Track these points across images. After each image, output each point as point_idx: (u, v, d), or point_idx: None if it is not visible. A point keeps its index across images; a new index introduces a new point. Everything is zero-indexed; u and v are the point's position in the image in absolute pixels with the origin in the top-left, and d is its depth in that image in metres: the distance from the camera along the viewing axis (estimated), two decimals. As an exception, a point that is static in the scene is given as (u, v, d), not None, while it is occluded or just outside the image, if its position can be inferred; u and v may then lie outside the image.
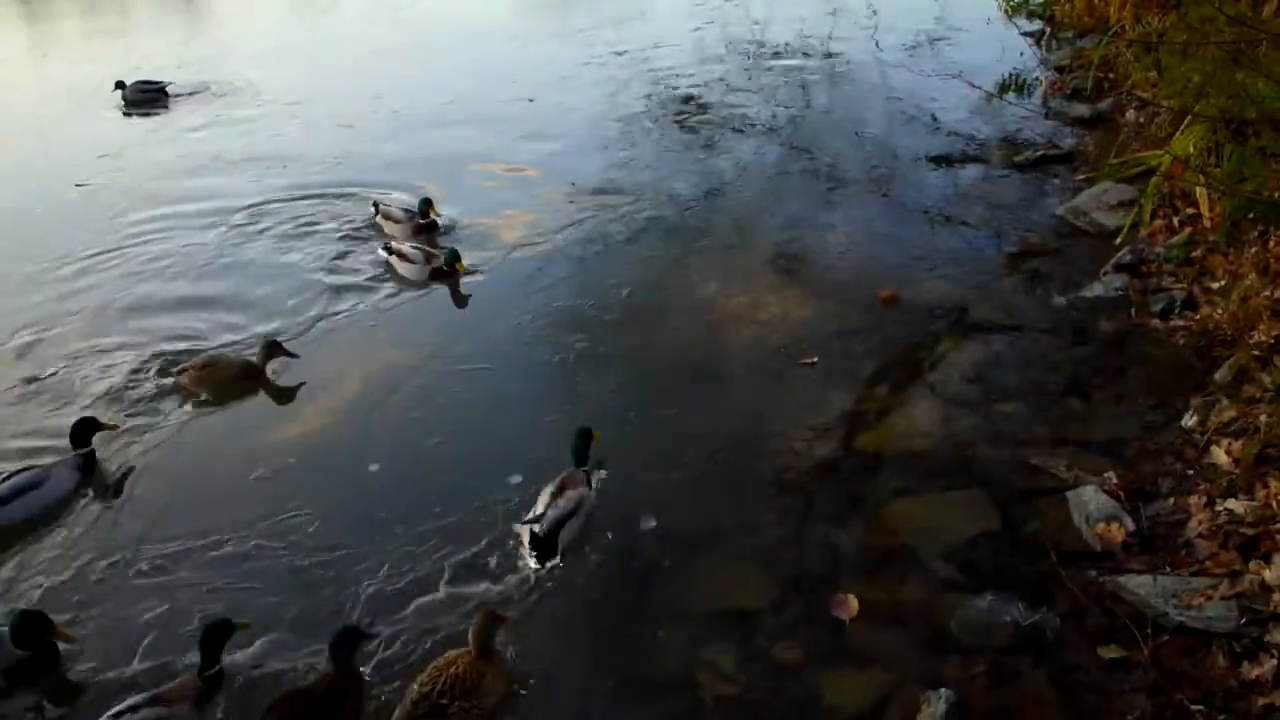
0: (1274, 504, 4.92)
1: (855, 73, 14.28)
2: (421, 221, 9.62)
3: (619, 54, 16.06)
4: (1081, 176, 9.53)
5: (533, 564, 5.40)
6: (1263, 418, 5.48)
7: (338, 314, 8.42)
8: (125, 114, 15.30)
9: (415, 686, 4.54)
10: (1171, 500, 5.32)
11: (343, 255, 9.51)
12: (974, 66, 13.31)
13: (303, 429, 6.95)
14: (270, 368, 7.55)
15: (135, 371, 7.68)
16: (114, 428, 6.79)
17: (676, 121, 12.81)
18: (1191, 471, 5.50)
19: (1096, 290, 7.48)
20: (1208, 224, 7.73)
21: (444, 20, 19.94)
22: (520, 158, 11.90)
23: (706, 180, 10.89)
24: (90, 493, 6.37)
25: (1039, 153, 10.31)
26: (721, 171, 11.12)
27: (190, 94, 15.89)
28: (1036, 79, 12.46)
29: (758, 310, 7.97)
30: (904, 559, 5.25)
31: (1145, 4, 11.67)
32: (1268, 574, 4.57)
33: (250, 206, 10.87)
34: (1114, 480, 5.44)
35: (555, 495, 5.63)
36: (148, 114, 15.19)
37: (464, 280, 8.80)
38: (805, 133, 12.12)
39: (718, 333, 7.76)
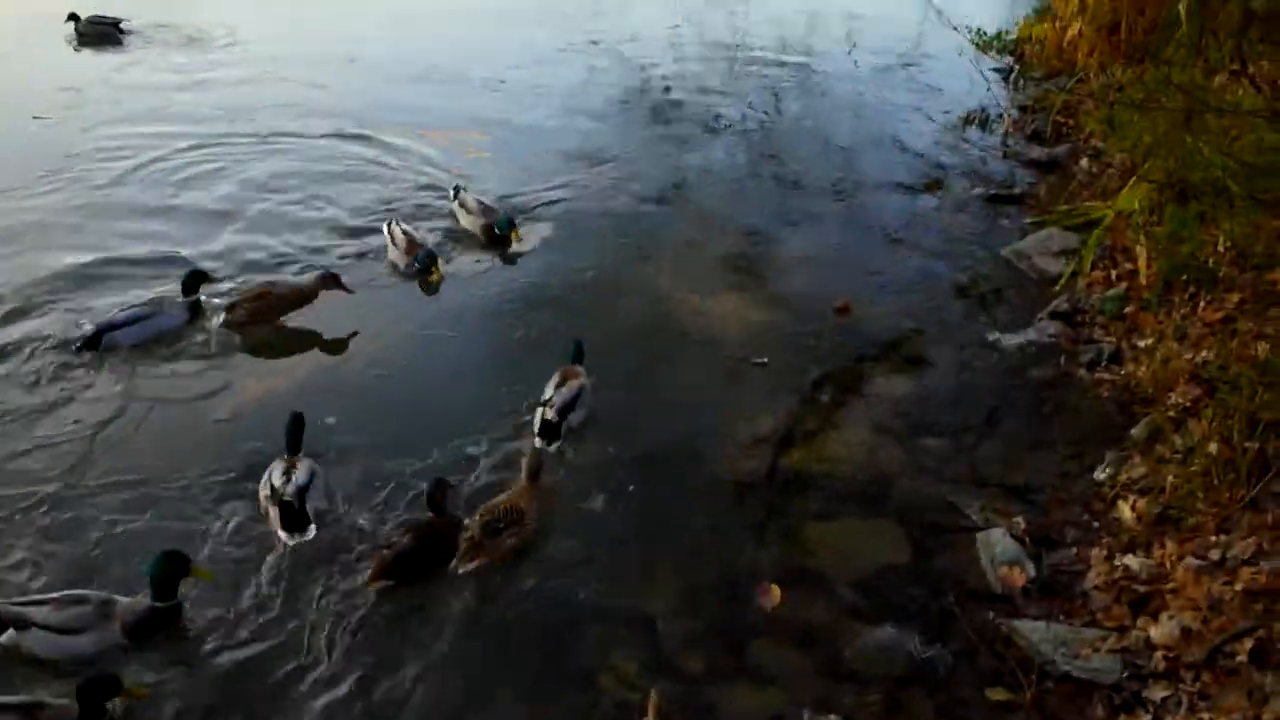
0: (1168, 564, 5.12)
1: (829, 86, 14.42)
2: (495, 231, 9.03)
3: (595, 43, 16.07)
4: (1030, 220, 9.73)
5: (538, 443, 6.28)
6: (1169, 478, 5.68)
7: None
8: (76, 49, 15.10)
9: (477, 516, 5.51)
10: (1075, 550, 5.51)
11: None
12: (942, 96, 13.56)
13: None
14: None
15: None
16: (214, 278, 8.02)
17: (648, 115, 12.93)
18: (1097, 524, 5.70)
19: (1030, 335, 7.66)
20: (1144, 281, 7.93)
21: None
22: (487, 135, 11.99)
23: (674, 175, 11.04)
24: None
25: (992, 191, 10.50)
26: (690, 168, 11.27)
27: (149, 34, 15.69)
28: (999, 116, 12.65)
29: (715, 306, 8.27)
30: (815, 582, 5.40)
31: (1112, 54, 11.91)
32: (1154, 631, 4.76)
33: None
34: (1022, 525, 5.61)
35: (559, 386, 6.57)
36: (100, 50, 15.01)
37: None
38: (775, 139, 12.32)
39: (673, 324, 8.05)
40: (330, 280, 7.84)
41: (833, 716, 4.42)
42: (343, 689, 4.74)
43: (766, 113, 13.14)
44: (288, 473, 5.81)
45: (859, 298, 8.38)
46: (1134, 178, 8.26)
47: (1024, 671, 4.68)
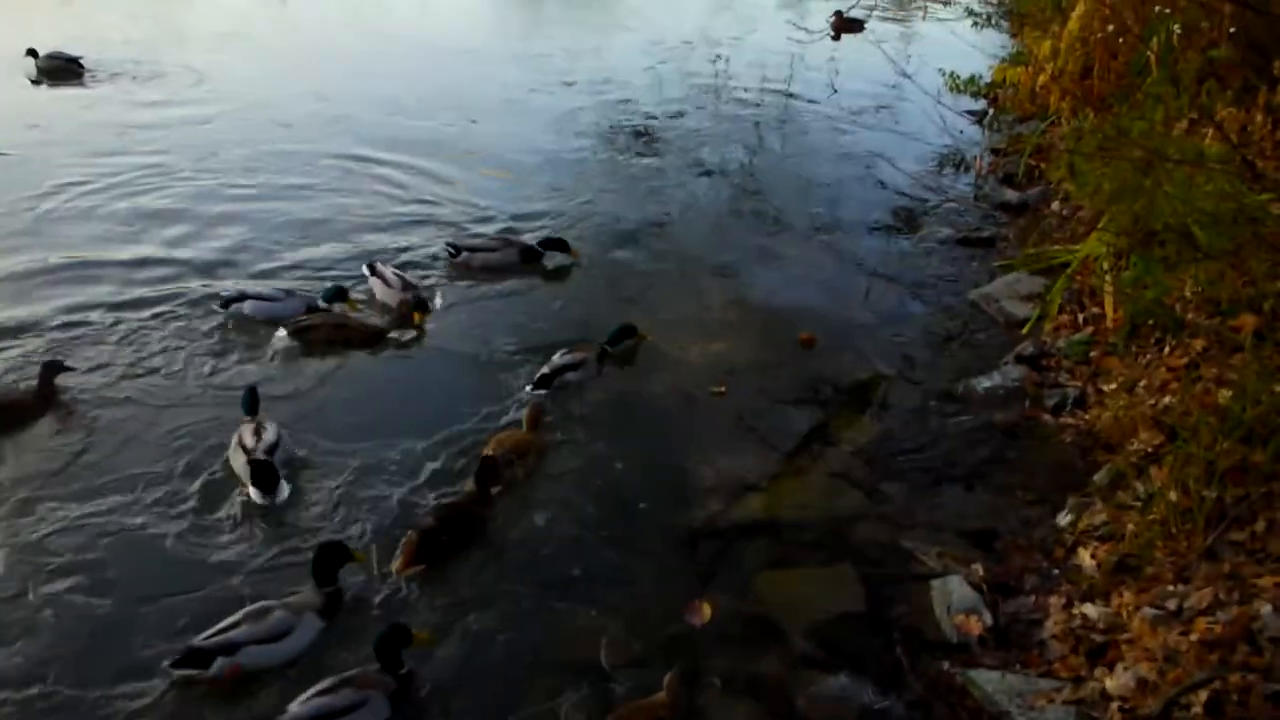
0: (1125, 613, 5.05)
1: (807, 128, 14.56)
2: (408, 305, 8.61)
3: (569, 84, 16.14)
4: (998, 263, 9.75)
5: (528, 389, 7.32)
6: (1130, 526, 5.62)
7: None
8: (34, 82, 15.16)
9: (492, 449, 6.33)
10: (1033, 598, 5.44)
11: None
12: (917, 138, 13.63)
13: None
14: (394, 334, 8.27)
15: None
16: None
17: (625, 154, 12.98)
18: (1056, 571, 5.63)
19: (995, 379, 7.62)
20: (1110, 325, 7.93)
21: (401, 32, 19.85)
22: (459, 174, 12.00)
23: (649, 212, 11.12)
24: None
25: (962, 234, 10.53)
26: (666, 205, 11.35)
27: (112, 72, 15.75)
28: (973, 158, 12.72)
29: (687, 342, 8.34)
30: (768, 629, 5.31)
31: (1084, 99, 12.00)
32: (1110, 682, 4.67)
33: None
34: (980, 572, 5.55)
35: (565, 354, 7.59)
36: (61, 86, 15.05)
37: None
38: (754, 179, 12.43)
39: (642, 361, 8.13)
40: (421, 305, 8.38)
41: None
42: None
43: (745, 153, 13.22)
44: (257, 433, 6.26)
45: (827, 337, 8.42)
46: (1102, 221, 8.27)
47: (977, 723, 4.60)
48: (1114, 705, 4.56)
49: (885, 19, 21.47)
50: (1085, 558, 5.60)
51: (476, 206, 11.03)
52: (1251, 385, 5.76)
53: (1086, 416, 7.08)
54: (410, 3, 23.11)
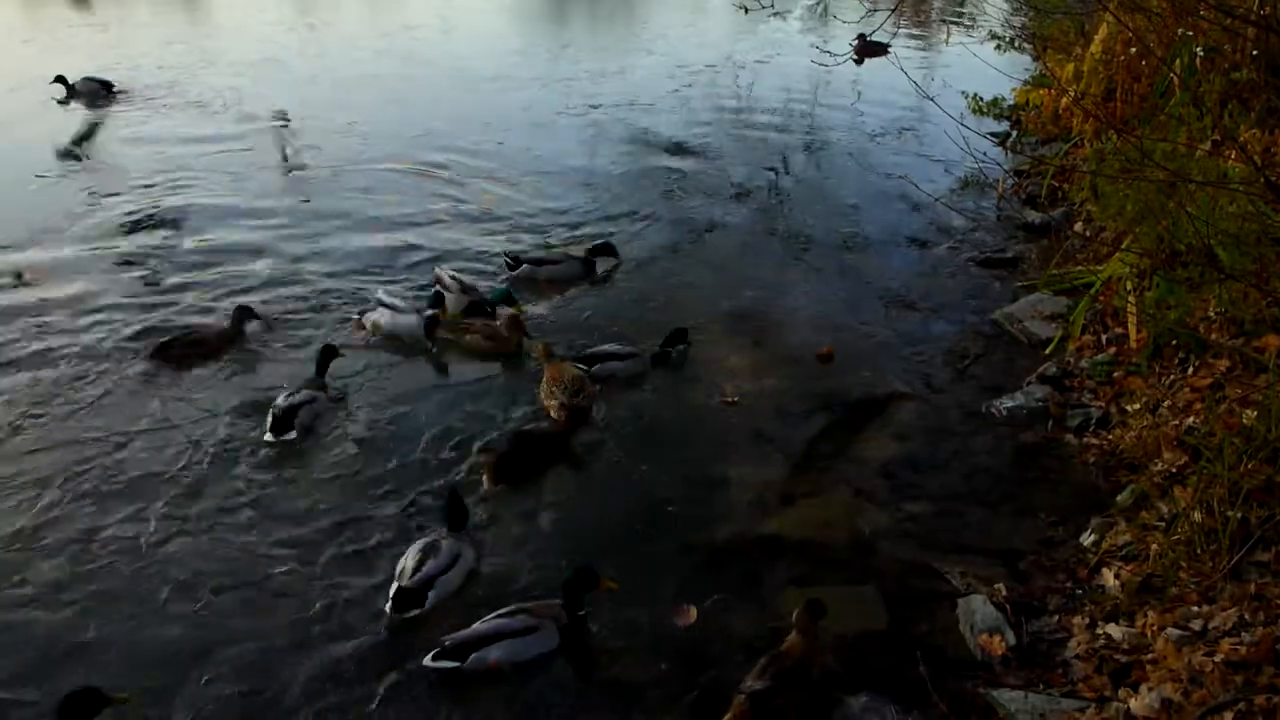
0: (1149, 633, 5.04)
1: (832, 149, 14.63)
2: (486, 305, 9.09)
3: (595, 106, 16.29)
4: (1021, 283, 9.76)
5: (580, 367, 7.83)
6: (1154, 546, 5.62)
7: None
8: (61, 102, 15.69)
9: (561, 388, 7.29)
10: (1057, 618, 5.44)
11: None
12: (940, 159, 13.66)
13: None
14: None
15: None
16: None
17: (649, 174, 13.12)
18: (1080, 591, 5.63)
19: (1018, 399, 7.63)
20: (1133, 345, 7.93)
21: (429, 57, 20.09)
22: (488, 194, 12.27)
23: (674, 231, 11.27)
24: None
25: (986, 254, 10.54)
26: (691, 224, 11.48)
27: (146, 96, 16.13)
28: (996, 180, 12.73)
29: (705, 347, 8.60)
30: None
31: (1107, 121, 12.01)
32: (1134, 703, 4.67)
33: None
34: (1003, 592, 5.55)
35: (620, 345, 8.25)
36: (94, 110, 15.46)
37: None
38: (778, 197, 12.54)
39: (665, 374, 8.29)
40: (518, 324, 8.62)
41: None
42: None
43: (770, 174, 13.32)
44: (291, 394, 7.33)
45: (849, 355, 8.49)
46: (1126, 242, 8.29)
47: (1001, 742, 4.60)
48: (1138, 726, 4.56)
49: (908, 42, 21.52)
50: (1109, 578, 5.60)
51: (500, 229, 11.16)
52: (1276, 406, 5.76)
53: (1110, 437, 7.07)
54: (437, 29, 23.35)
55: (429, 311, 8.56)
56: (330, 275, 9.91)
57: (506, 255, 9.98)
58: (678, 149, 14.18)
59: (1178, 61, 10.13)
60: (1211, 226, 6.33)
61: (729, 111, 16.47)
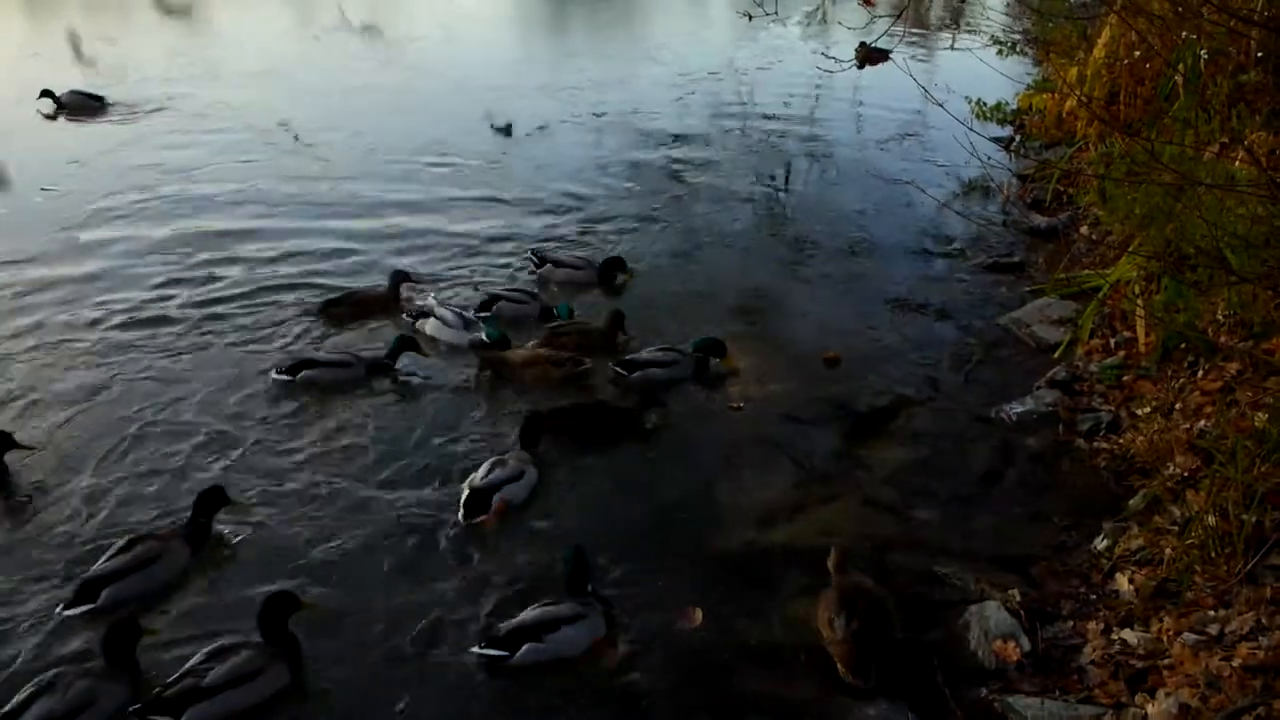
0: (1165, 638, 5.01)
1: (836, 154, 14.65)
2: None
3: (598, 114, 16.31)
4: (1028, 288, 9.74)
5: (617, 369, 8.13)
6: (1168, 550, 5.59)
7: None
8: (49, 117, 15.75)
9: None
10: (1071, 623, 5.41)
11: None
12: (944, 164, 13.67)
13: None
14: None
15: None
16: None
17: (654, 181, 13.15)
18: (1094, 596, 5.60)
19: (1028, 404, 7.60)
20: (1142, 349, 7.91)
21: (432, 67, 20.14)
22: (492, 204, 12.27)
23: (680, 237, 11.29)
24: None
25: (992, 259, 10.53)
26: (697, 230, 11.48)
27: (148, 109, 16.17)
28: (1001, 184, 12.72)
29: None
30: (804, 657, 5.29)
31: (1111, 124, 12.00)
32: (1151, 708, 4.64)
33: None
34: (1017, 598, 5.52)
35: (657, 350, 8.29)
36: (92, 123, 15.49)
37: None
38: (783, 203, 12.59)
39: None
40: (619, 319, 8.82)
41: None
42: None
43: (774, 180, 13.34)
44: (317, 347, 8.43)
45: (856, 360, 8.48)
46: (1134, 244, 8.27)
47: (1018, 750, 4.57)
48: (1155, 731, 4.54)
49: (911, 47, 21.54)
50: (1123, 583, 5.58)
51: (508, 239, 11.17)
52: (1288, 408, 5.74)
53: (1120, 441, 7.04)
54: (439, 38, 23.41)
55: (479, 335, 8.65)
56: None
57: (532, 252, 10.24)
58: (682, 156, 14.21)
59: (1182, 64, 10.11)
60: (1220, 229, 6.32)
61: (733, 118, 16.48)
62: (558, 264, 10.06)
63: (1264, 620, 4.84)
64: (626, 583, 5.85)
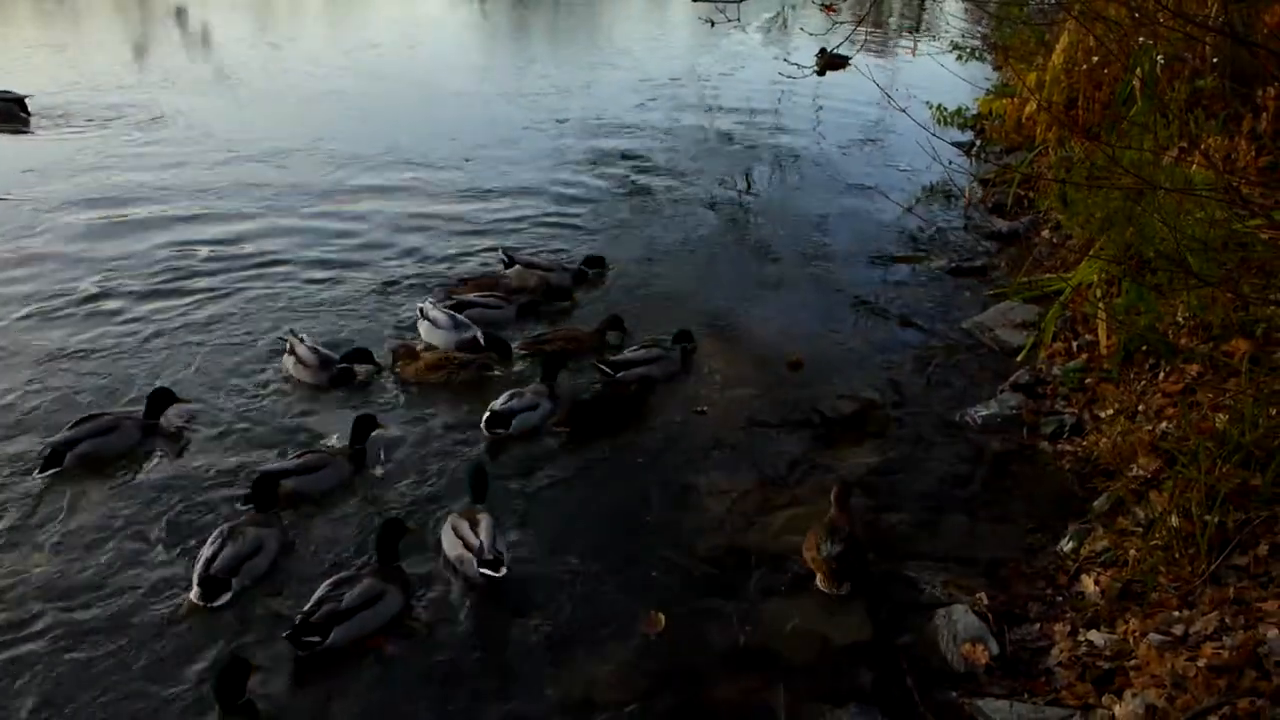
0: (1131, 639, 5.04)
1: (797, 161, 14.74)
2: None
3: (562, 121, 16.29)
4: (991, 291, 9.81)
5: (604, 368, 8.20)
6: (1132, 551, 5.63)
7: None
8: None
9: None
10: (1038, 626, 5.43)
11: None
12: (905, 170, 13.77)
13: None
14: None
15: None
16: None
17: (617, 188, 13.12)
18: (1061, 598, 5.63)
19: (992, 408, 7.65)
20: (1104, 352, 7.98)
21: (395, 73, 20.03)
22: (454, 211, 12.15)
23: (642, 244, 11.26)
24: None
25: (954, 263, 10.61)
26: (659, 237, 11.48)
27: (106, 118, 15.75)
28: (962, 189, 12.83)
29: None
30: (774, 661, 5.26)
31: (1070, 128, 12.14)
32: (1118, 709, 4.66)
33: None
34: (985, 601, 5.53)
35: (640, 348, 8.47)
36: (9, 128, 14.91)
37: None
38: (745, 209, 12.60)
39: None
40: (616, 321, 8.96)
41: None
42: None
43: (737, 187, 13.36)
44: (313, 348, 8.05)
45: (821, 364, 8.50)
46: (1095, 247, 8.35)
47: (987, 753, 4.58)
48: (1123, 732, 4.56)
49: (871, 54, 21.67)
50: (1089, 584, 5.60)
51: (470, 245, 11.10)
52: (1248, 409, 5.80)
53: (1084, 443, 7.10)
54: (402, 45, 23.32)
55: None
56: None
57: (503, 250, 10.22)
58: (645, 162, 14.22)
59: (1139, 69, 10.24)
60: (1179, 232, 6.38)
61: (695, 125, 16.52)
62: (528, 265, 10.01)
63: (1228, 620, 4.88)
64: (586, 589, 5.77)
